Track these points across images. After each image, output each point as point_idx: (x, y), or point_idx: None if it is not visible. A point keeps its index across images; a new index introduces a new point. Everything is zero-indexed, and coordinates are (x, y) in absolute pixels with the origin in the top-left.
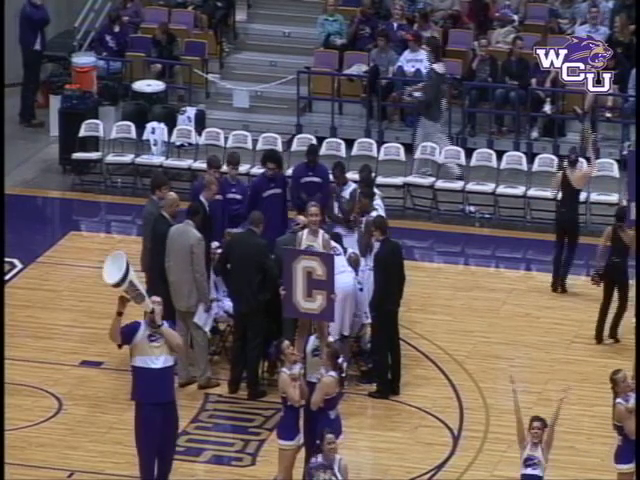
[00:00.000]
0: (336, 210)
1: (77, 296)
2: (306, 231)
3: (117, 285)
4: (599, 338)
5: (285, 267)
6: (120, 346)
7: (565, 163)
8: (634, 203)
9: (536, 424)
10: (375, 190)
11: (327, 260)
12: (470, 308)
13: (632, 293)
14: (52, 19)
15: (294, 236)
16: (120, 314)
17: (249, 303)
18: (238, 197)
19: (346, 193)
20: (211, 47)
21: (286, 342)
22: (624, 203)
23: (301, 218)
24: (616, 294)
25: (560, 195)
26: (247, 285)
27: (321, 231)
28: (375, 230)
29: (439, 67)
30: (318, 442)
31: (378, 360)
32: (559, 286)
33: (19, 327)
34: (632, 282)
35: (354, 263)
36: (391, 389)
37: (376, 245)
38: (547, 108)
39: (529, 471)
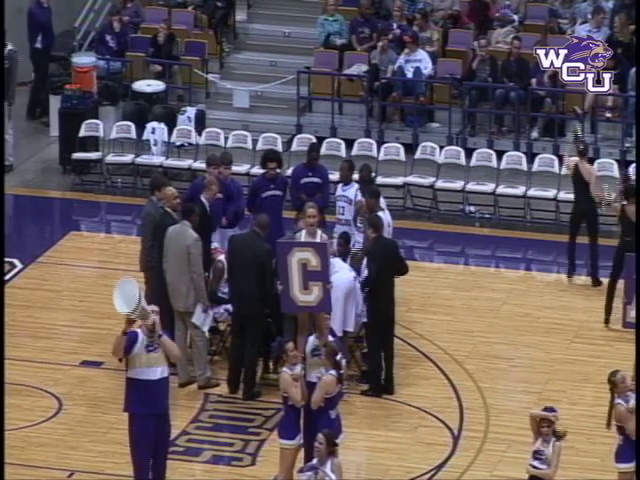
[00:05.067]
0: (339, 210)
1: (77, 296)
2: (304, 232)
3: (130, 314)
4: (607, 320)
5: (280, 261)
6: (121, 360)
7: (578, 150)
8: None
9: (545, 424)
10: None
11: (321, 250)
12: (470, 308)
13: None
14: (52, 19)
15: (294, 237)
16: (125, 334)
17: (251, 306)
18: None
19: (349, 193)
20: (211, 47)
21: (290, 344)
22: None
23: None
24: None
25: (573, 187)
26: (249, 287)
27: (319, 232)
28: (368, 228)
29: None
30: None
31: (370, 358)
32: (592, 282)
33: (19, 327)
34: None
35: (357, 263)
36: (384, 388)
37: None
38: (547, 101)
39: (537, 464)
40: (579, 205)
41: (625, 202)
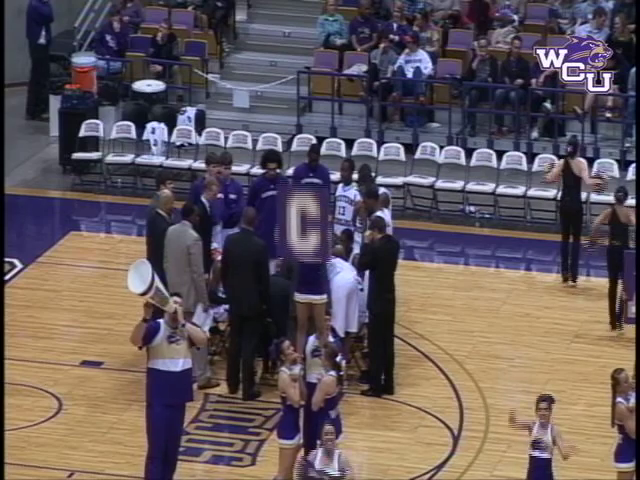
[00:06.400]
0: (340, 210)
1: (77, 296)
2: None
3: (144, 294)
4: (614, 324)
5: (279, 207)
6: (141, 348)
7: (566, 152)
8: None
9: (543, 405)
10: None
11: (320, 195)
12: (470, 308)
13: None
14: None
15: None
16: (146, 321)
17: (248, 305)
18: (233, 196)
19: (350, 193)
20: (211, 47)
21: (287, 342)
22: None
23: None
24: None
25: (562, 185)
26: (246, 286)
27: None
28: (373, 229)
29: None
30: (319, 442)
31: (371, 358)
32: (570, 279)
33: (19, 327)
34: None
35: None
36: (384, 388)
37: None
38: (547, 103)
39: (537, 453)
40: (566, 204)
41: (616, 204)
